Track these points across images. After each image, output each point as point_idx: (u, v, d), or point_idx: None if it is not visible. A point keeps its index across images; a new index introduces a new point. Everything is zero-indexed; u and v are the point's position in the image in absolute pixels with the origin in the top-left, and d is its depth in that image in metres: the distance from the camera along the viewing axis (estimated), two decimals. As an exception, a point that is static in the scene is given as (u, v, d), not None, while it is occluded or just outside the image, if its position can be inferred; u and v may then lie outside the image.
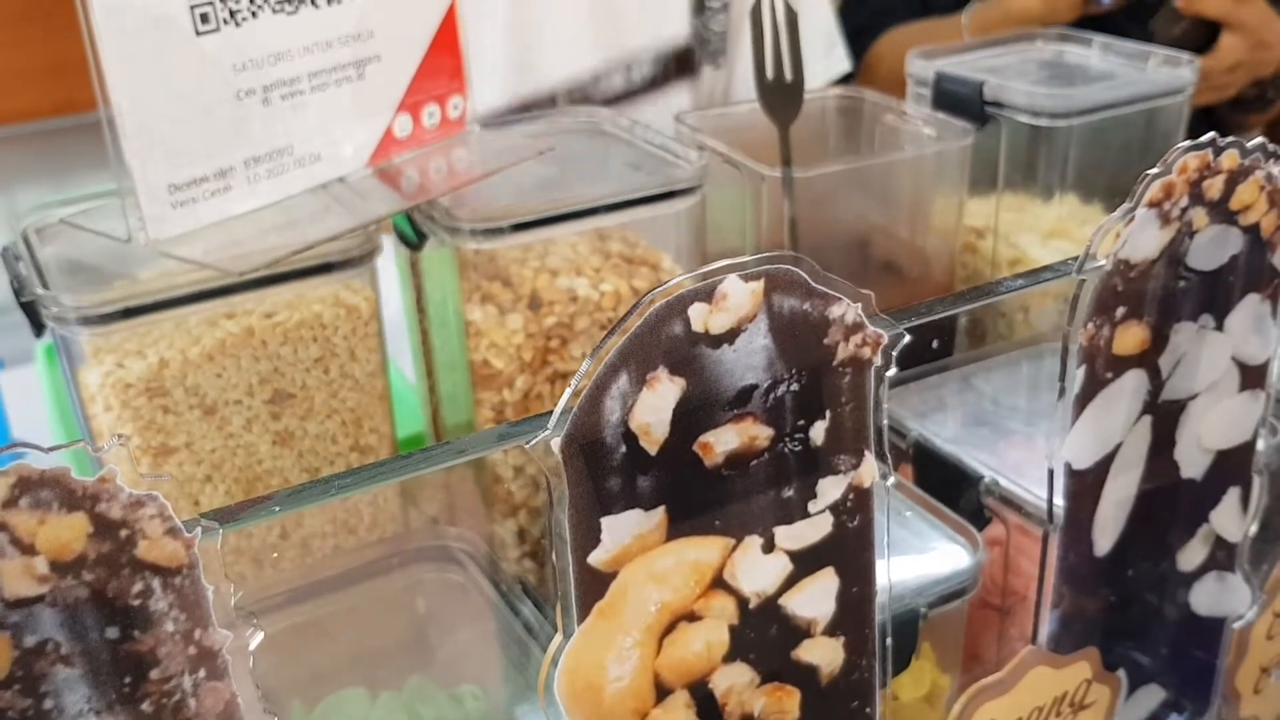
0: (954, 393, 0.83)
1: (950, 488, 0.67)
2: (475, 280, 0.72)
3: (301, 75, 0.67)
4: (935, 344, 0.81)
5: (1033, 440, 0.74)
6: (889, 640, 0.47)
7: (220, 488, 0.65)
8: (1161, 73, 0.91)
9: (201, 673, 0.34)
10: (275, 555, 0.65)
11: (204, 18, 0.62)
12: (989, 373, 0.85)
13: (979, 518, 0.66)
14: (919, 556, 0.60)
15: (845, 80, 1.34)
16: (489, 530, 0.75)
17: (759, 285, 0.39)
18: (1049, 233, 0.92)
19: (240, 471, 0.65)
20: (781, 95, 0.77)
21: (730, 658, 0.44)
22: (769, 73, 0.77)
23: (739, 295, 0.39)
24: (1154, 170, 0.45)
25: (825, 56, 1.31)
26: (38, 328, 0.62)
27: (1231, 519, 0.56)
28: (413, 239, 0.73)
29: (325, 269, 0.65)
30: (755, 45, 0.76)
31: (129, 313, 0.60)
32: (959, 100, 0.89)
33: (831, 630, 0.46)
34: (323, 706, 0.59)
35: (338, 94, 0.69)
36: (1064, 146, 0.88)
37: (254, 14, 0.64)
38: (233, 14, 0.63)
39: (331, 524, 0.68)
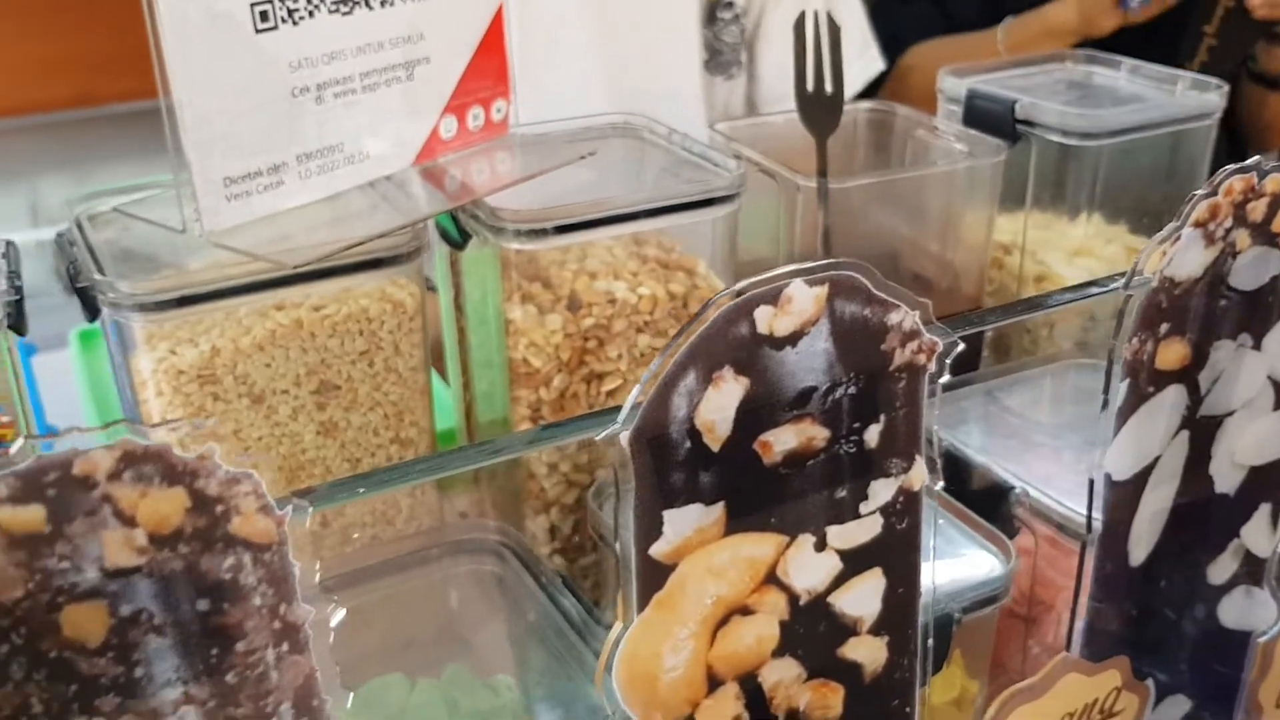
0: (978, 406, 0.84)
1: (980, 497, 0.68)
2: (516, 280, 0.74)
3: (354, 74, 0.68)
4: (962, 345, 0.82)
5: (1059, 453, 0.75)
6: (930, 641, 0.49)
7: (265, 475, 0.66)
8: (1190, 96, 0.93)
9: (284, 646, 0.35)
10: (316, 546, 0.66)
11: (263, 15, 0.63)
12: (1012, 387, 0.86)
13: (1007, 527, 0.67)
14: (953, 563, 0.61)
15: (876, 84, 1.36)
16: (520, 527, 0.76)
17: (823, 290, 0.40)
18: (1075, 251, 0.93)
19: (284, 460, 0.66)
20: (821, 107, 0.79)
21: (779, 652, 0.45)
22: (810, 85, 0.78)
23: (804, 299, 0.40)
24: (1200, 191, 0.47)
25: (860, 56, 1.31)
26: (92, 313, 0.64)
27: (1262, 534, 0.57)
28: (456, 238, 0.74)
29: (374, 265, 0.66)
30: (797, 58, 0.77)
31: (184, 301, 0.61)
32: (991, 118, 0.90)
33: (876, 629, 0.47)
34: (363, 691, 0.60)
35: (388, 94, 0.70)
36: (1093, 166, 0.90)
37: (311, 13, 0.65)
38: (291, 13, 0.64)
39: (371, 515, 0.69)
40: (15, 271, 0.64)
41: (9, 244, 0.67)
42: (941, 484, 0.46)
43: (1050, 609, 0.67)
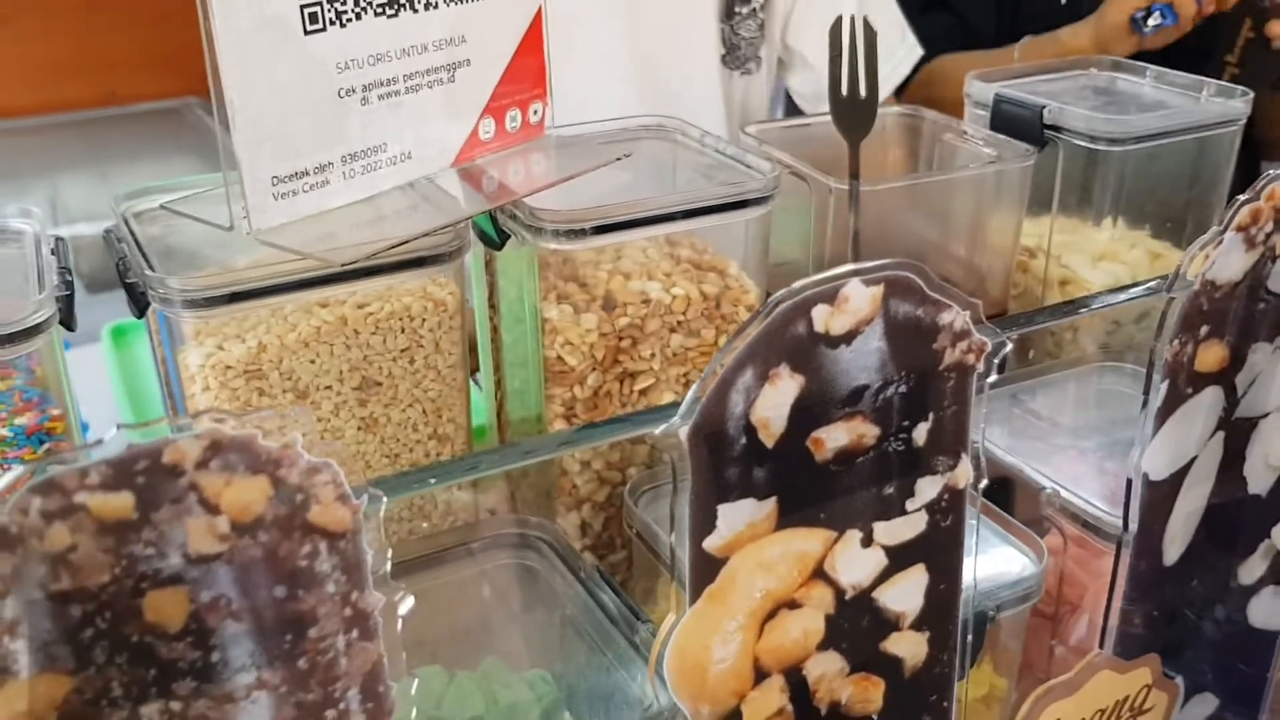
0: (1003, 408, 0.85)
1: (1010, 497, 0.69)
2: (552, 280, 0.75)
3: (398, 76, 0.69)
4: (1031, 354, 0.83)
5: (1084, 455, 0.76)
6: (969, 637, 0.50)
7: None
8: (1214, 103, 0.93)
9: (354, 633, 0.36)
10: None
11: (313, 17, 0.64)
12: (1038, 390, 0.87)
13: (1036, 527, 0.68)
14: (988, 561, 0.62)
15: (897, 93, 1.37)
16: (553, 523, 0.77)
17: (879, 290, 0.41)
18: (1099, 255, 0.94)
19: (326, 455, 0.67)
20: (855, 111, 0.80)
21: (824, 646, 0.46)
22: (844, 89, 0.79)
23: (860, 298, 0.41)
24: (1244, 196, 0.48)
25: (901, 44, 1.32)
26: (140, 309, 0.65)
27: (1292, 535, 0.58)
28: (494, 238, 0.75)
29: (416, 263, 0.67)
30: (832, 62, 0.78)
31: (232, 298, 0.62)
32: (1018, 122, 0.91)
33: (918, 625, 0.48)
34: (401, 683, 0.61)
35: (429, 95, 0.71)
36: (1119, 171, 0.90)
37: (358, 15, 0.66)
38: (339, 15, 0.65)
39: (409, 509, 0.70)
40: (67, 267, 0.65)
41: (59, 240, 0.69)
42: (985, 482, 0.47)
43: (1075, 609, 0.68)
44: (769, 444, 0.41)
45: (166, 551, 0.33)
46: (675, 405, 0.40)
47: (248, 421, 0.33)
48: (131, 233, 0.68)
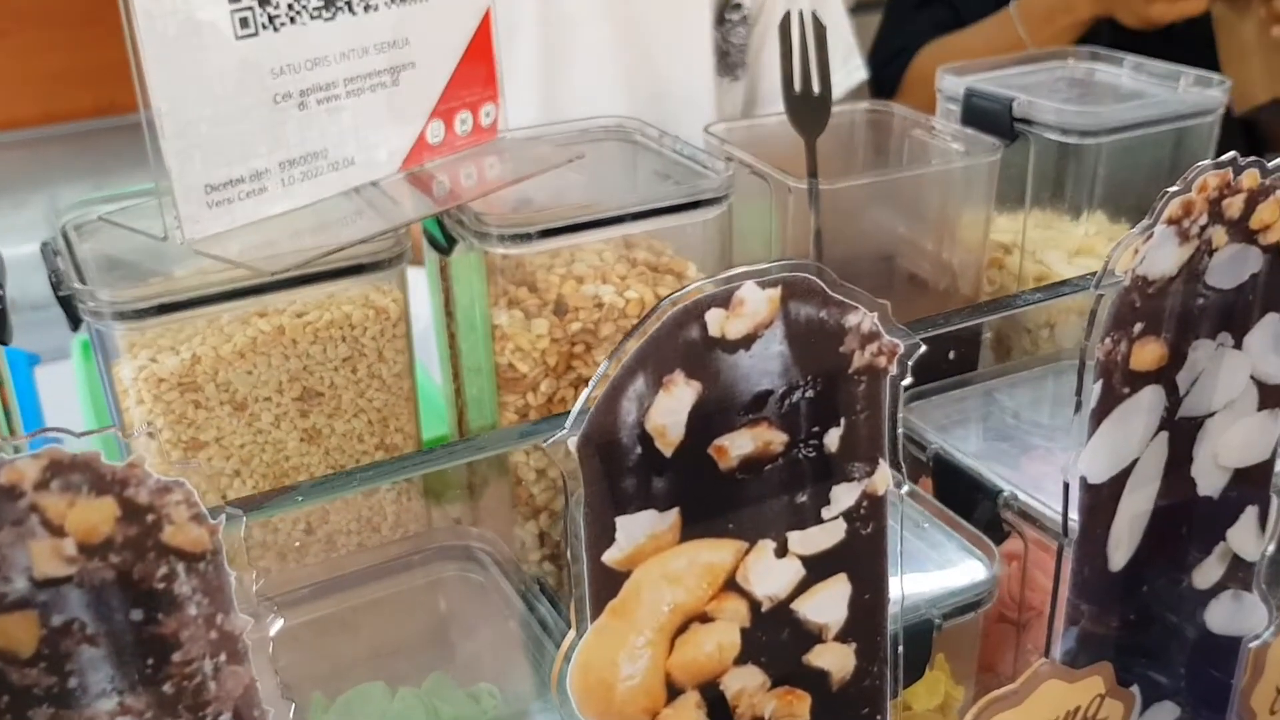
0: (978, 407, 0.83)
1: (969, 501, 0.67)
2: (502, 285, 0.73)
3: (338, 81, 0.68)
4: (952, 355, 0.81)
5: (1054, 455, 0.74)
6: (900, 649, 0.48)
7: (248, 482, 0.66)
8: (1192, 93, 0.91)
9: (222, 657, 0.35)
10: (299, 547, 0.66)
11: (244, 22, 0.63)
12: (1013, 388, 0.85)
13: (997, 531, 0.67)
14: (936, 568, 0.60)
15: (891, 89, 1.35)
16: (510, 533, 0.76)
17: (776, 292, 0.39)
18: (1076, 250, 0.92)
19: (268, 467, 0.66)
20: (809, 108, 0.78)
21: (741, 660, 0.45)
22: (797, 86, 0.77)
23: (756, 301, 0.39)
24: (1174, 188, 0.46)
25: (843, 65, 1.32)
26: (74, 322, 0.64)
27: (1249, 538, 0.56)
28: (443, 243, 0.74)
29: (356, 270, 0.66)
30: (783, 59, 0.77)
31: (164, 309, 0.62)
32: (988, 116, 0.89)
33: (843, 636, 0.46)
34: (343, 699, 0.60)
35: (373, 100, 0.70)
36: (1092, 164, 0.88)
37: (293, 19, 0.65)
38: (272, 19, 0.64)
39: (356, 521, 0.69)
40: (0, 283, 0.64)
41: (-7, 254, 0.68)
42: (908, 487, 0.45)
43: (1040, 614, 0.66)
44: (667, 452, 0.40)
45: (10, 575, 0.32)
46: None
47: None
48: (69, 246, 0.67)
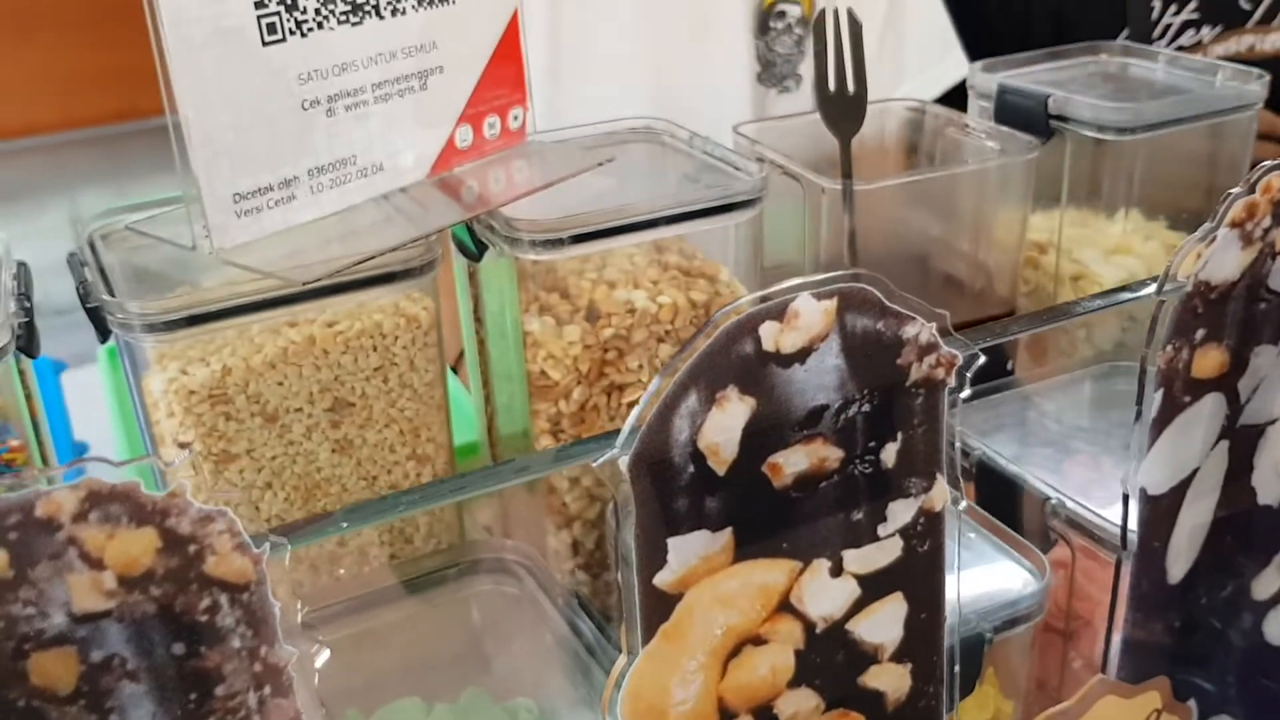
0: (1015, 411, 0.82)
1: (1014, 509, 0.66)
2: (533, 291, 0.72)
3: (365, 86, 0.67)
4: (1010, 366, 0.80)
5: (1098, 460, 0.73)
6: (956, 667, 0.46)
7: (280, 495, 0.65)
8: (1230, 87, 0.89)
9: (267, 689, 0.34)
10: (334, 566, 0.65)
11: (271, 28, 0.62)
12: (1051, 391, 0.84)
13: (1044, 540, 0.65)
14: (984, 580, 0.58)
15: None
16: (543, 542, 0.75)
17: (831, 304, 0.38)
18: (1112, 249, 0.90)
19: (300, 479, 0.65)
20: (843, 108, 0.77)
21: (795, 683, 0.43)
22: (831, 85, 0.76)
23: (811, 314, 0.38)
24: (1236, 190, 0.44)
25: (941, 60, 1.26)
26: (103, 333, 0.63)
27: (1309, 547, 0.54)
28: (472, 250, 0.73)
29: (387, 279, 0.65)
30: (817, 57, 0.75)
31: (193, 320, 0.60)
32: (1023, 113, 0.87)
33: (899, 656, 0.45)
34: (378, 715, 0.59)
35: (401, 105, 0.69)
36: (1129, 161, 0.87)
37: (320, 25, 0.64)
38: (299, 25, 0.63)
39: (389, 532, 0.68)
40: (25, 294, 0.63)
41: (21, 265, 0.67)
42: (965, 503, 0.44)
43: (1088, 624, 0.65)
44: (720, 471, 0.39)
45: (48, 610, 0.31)
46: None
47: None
48: (96, 256, 0.66)
